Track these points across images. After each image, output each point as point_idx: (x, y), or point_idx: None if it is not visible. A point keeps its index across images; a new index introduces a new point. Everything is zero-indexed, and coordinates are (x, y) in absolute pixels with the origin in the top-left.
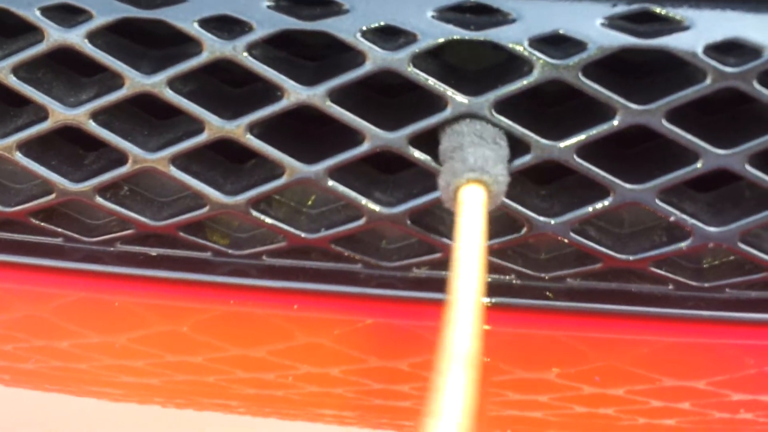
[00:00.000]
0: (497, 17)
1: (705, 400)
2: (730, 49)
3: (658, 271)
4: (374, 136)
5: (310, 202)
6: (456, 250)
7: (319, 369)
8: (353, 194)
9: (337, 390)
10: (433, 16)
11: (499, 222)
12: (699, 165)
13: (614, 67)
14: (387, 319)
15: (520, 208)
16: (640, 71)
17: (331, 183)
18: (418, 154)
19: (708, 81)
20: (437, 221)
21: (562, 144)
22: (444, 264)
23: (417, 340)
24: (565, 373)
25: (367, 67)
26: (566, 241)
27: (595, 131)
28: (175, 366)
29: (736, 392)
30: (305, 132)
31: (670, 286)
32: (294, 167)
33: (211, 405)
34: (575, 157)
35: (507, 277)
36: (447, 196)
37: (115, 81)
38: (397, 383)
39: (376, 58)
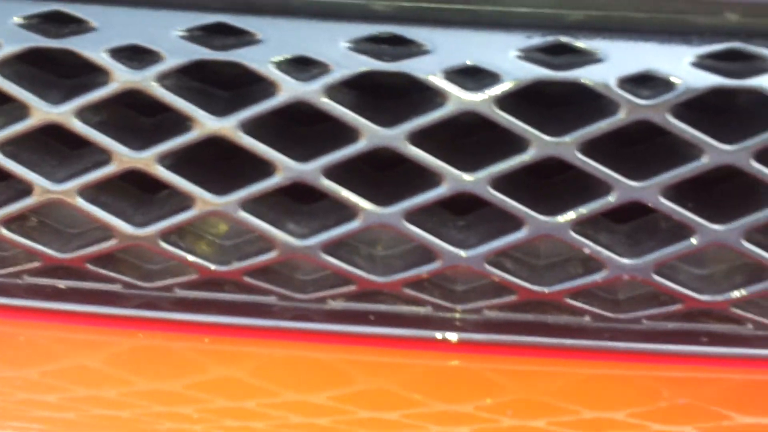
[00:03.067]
0: (411, 49)
1: (626, 431)
2: (645, 82)
3: (574, 302)
4: (286, 168)
5: (222, 234)
6: None
7: (235, 403)
8: (265, 226)
9: (256, 424)
10: (347, 48)
11: (414, 254)
12: (611, 198)
13: (531, 99)
14: (302, 351)
15: (433, 239)
16: (558, 104)
17: (242, 214)
18: (330, 185)
19: (621, 114)
20: (352, 252)
21: (474, 177)
22: (360, 296)
23: (334, 373)
24: (483, 405)
25: (280, 98)
26: (481, 272)
27: (507, 164)
28: (87, 400)
29: (656, 423)
30: (222, 163)
31: (587, 318)
32: (204, 198)
33: None
34: (488, 188)
35: (422, 309)
36: None
37: (22, 111)
38: (314, 416)
39: (289, 89)
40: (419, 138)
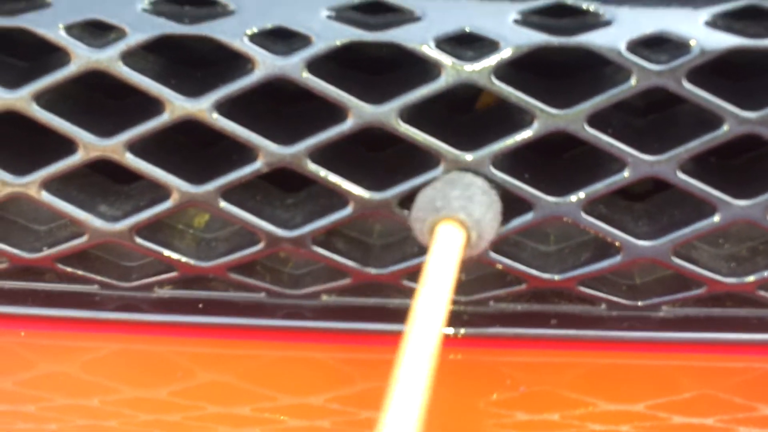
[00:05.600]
0: (399, 17)
1: (645, 423)
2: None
3: (588, 290)
4: (268, 152)
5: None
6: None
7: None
8: (249, 217)
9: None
10: (328, 17)
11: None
12: (626, 174)
13: (533, 69)
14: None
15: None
16: (561, 72)
17: (223, 204)
18: (316, 169)
19: (632, 81)
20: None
21: (475, 155)
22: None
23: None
24: (494, 399)
25: (257, 75)
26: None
27: (510, 140)
28: (70, 410)
29: (676, 414)
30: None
31: (603, 306)
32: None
33: None
34: (491, 168)
35: None
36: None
37: None
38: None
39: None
40: (412, 115)
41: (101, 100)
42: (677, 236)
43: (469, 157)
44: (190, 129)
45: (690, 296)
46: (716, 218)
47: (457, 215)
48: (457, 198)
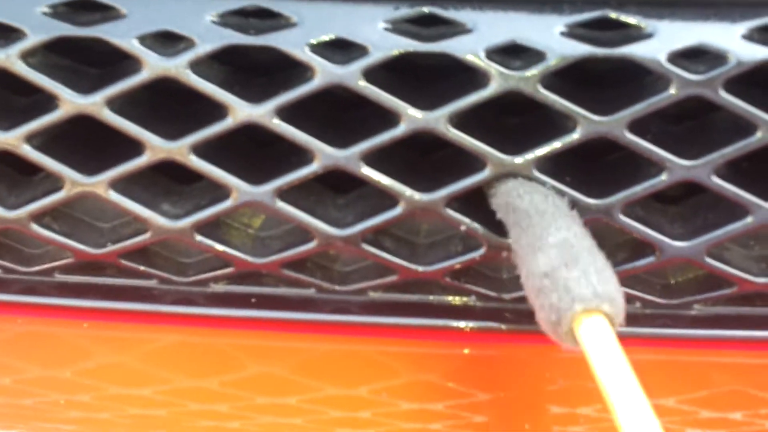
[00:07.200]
0: (451, 28)
1: (674, 417)
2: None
3: (625, 288)
4: (325, 155)
5: (258, 224)
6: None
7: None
8: (304, 216)
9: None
10: (385, 29)
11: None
12: (664, 177)
13: (575, 79)
14: None
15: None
16: (602, 82)
17: (280, 204)
18: (369, 171)
19: (672, 90)
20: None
21: (522, 159)
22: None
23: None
24: (531, 392)
25: (316, 82)
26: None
27: (554, 145)
28: (122, 399)
29: (705, 409)
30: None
31: (637, 304)
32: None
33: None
34: (534, 171)
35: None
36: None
37: None
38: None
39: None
40: (460, 120)
41: (166, 105)
42: (711, 237)
43: (516, 160)
44: (245, 132)
45: (721, 295)
46: (749, 220)
47: (597, 306)
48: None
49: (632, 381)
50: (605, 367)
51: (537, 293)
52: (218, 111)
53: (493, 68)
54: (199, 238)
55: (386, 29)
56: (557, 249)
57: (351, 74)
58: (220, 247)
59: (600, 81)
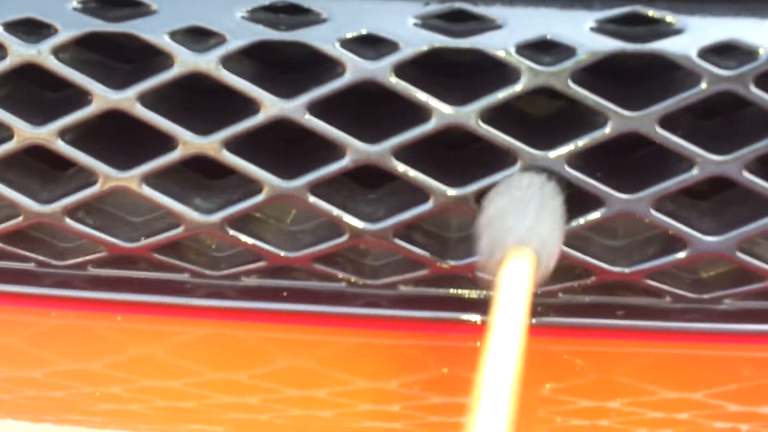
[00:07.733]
0: (481, 24)
1: (703, 411)
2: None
3: (655, 283)
4: (356, 150)
5: (289, 219)
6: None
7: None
8: (336, 210)
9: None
10: (415, 24)
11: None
12: (695, 172)
13: (605, 74)
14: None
15: None
16: (632, 77)
17: (312, 199)
18: (400, 166)
19: (703, 85)
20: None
21: (554, 154)
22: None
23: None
24: (559, 387)
25: (347, 78)
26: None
27: (585, 140)
28: (152, 391)
29: (735, 403)
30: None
31: (668, 299)
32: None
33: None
34: (565, 167)
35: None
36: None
37: None
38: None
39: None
40: (490, 115)
41: (196, 100)
42: (742, 232)
43: (547, 155)
44: (275, 126)
45: (752, 290)
46: None
47: (526, 244)
48: (521, 223)
49: (515, 322)
50: (502, 305)
51: (480, 237)
52: (249, 106)
53: (523, 64)
54: (231, 232)
55: (416, 25)
56: (509, 198)
57: (382, 70)
58: (251, 241)
59: (629, 76)
